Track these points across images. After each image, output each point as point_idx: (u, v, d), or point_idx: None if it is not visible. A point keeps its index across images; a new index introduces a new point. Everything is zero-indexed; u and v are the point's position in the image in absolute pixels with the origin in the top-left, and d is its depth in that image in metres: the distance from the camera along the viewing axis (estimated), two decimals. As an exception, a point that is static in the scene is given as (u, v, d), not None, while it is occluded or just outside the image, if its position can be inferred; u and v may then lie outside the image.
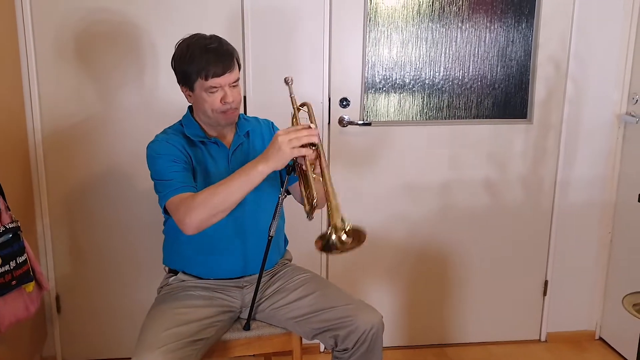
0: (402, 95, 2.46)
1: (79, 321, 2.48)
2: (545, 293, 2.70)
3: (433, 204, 2.55)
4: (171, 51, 1.72)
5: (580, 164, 2.57)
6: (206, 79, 1.64)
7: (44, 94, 2.26)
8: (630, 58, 2.47)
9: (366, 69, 2.41)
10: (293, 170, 1.60)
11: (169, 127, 1.82)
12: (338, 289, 1.83)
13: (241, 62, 1.76)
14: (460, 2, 2.38)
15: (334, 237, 1.40)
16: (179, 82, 1.74)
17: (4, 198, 1.84)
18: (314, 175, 1.51)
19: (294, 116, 1.70)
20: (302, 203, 1.60)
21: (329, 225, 1.41)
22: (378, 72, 2.42)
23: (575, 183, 2.59)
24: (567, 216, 2.62)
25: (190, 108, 1.82)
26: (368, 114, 2.46)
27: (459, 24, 2.40)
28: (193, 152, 1.75)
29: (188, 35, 1.72)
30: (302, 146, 1.48)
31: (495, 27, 2.42)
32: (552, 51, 2.45)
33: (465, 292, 2.65)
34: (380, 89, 2.44)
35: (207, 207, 1.55)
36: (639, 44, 2.44)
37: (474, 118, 2.51)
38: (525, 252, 2.64)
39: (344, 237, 1.41)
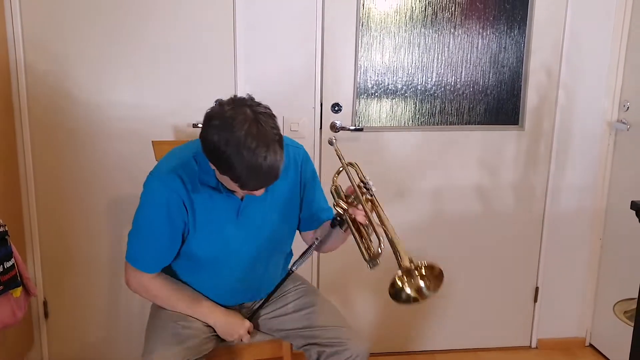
0: (394, 100, 2.45)
1: (67, 326, 2.45)
2: (536, 299, 2.70)
3: (425, 209, 2.54)
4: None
5: (572, 171, 2.58)
6: (241, 188, 1.45)
7: (32, 95, 2.24)
8: (621, 66, 2.48)
9: (358, 74, 2.40)
10: (340, 225, 1.57)
11: (180, 163, 1.57)
12: (332, 306, 1.82)
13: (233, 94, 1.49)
14: (453, 8, 2.38)
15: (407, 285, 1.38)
16: (205, 152, 1.45)
17: (-9, 202, 1.82)
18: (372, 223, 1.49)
19: (344, 171, 1.64)
20: (361, 252, 1.51)
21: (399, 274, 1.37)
22: (370, 77, 2.42)
23: (566, 189, 2.59)
24: (558, 222, 2.62)
25: None
26: (360, 120, 2.45)
27: (452, 30, 2.40)
28: (196, 199, 1.58)
29: (230, 112, 1.38)
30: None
31: (488, 33, 2.42)
32: (545, 58, 2.46)
33: (456, 298, 2.65)
34: (372, 94, 2.44)
35: (154, 301, 1.73)
36: (630, 52, 2.45)
37: (466, 124, 2.51)
38: (516, 258, 2.65)
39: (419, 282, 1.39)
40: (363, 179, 1.54)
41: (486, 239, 2.61)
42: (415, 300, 1.37)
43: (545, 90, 2.49)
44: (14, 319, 1.82)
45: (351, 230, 1.51)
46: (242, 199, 1.62)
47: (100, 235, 2.39)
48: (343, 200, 1.54)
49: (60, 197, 2.33)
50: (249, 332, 1.73)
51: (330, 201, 1.66)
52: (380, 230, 1.44)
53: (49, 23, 2.19)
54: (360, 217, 1.50)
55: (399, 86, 2.44)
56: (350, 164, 1.64)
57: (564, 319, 2.74)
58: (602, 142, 2.56)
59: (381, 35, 2.38)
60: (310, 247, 1.68)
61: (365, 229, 1.50)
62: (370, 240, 1.49)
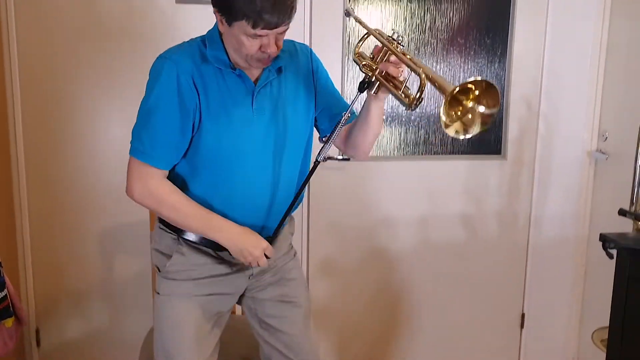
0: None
1: (59, 355, 2.48)
2: (522, 325, 2.74)
3: (411, 238, 2.60)
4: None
5: (554, 200, 2.64)
6: (253, 27, 1.33)
7: (28, 130, 2.31)
8: (599, 97, 2.56)
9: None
10: (369, 86, 1.45)
11: (186, 42, 1.50)
12: (313, 338, 1.74)
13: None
14: (435, 44, 2.47)
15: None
16: (214, 4, 1.39)
17: (-15, 234, 1.87)
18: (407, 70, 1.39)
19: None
20: (401, 100, 1.42)
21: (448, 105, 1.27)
22: (355, 109, 2.48)
23: (549, 218, 2.65)
24: (542, 250, 2.68)
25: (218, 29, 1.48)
26: (347, 150, 2.52)
27: (434, 64, 2.49)
28: (207, 77, 1.45)
29: None
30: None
31: (469, 67, 2.51)
32: (524, 91, 2.54)
33: (443, 324, 2.69)
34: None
35: (161, 211, 1.48)
36: (607, 84, 2.53)
37: (449, 154, 2.58)
38: (502, 284, 2.69)
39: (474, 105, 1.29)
40: (390, 35, 1.44)
41: (472, 266, 2.66)
42: (484, 122, 1.31)
43: (526, 121, 2.57)
44: (5, 349, 1.86)
45: (385, 87, 1.43)
46: (255, 83, 1.49)
47: (92, 264, 2.43)
48: (370, 61, 1.46)
49: (53, 227, 2.39)
50: (266, 256, 1.53)
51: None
52: (419, 69, 1.34)
53: (45, 63, 2.27)
54: (392, 69, 1.41)
55: (384, 117, 2.51)
56: (375, 30, 1.51)
57: (550, 345, 2.77)
58: (583, 171, 2.63)
59: (366, 69, 2.46)
60: (338, 122, 1.50)
61: (398, 82, 1.42)
62: (408, 87, 1.41)
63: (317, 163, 1.51)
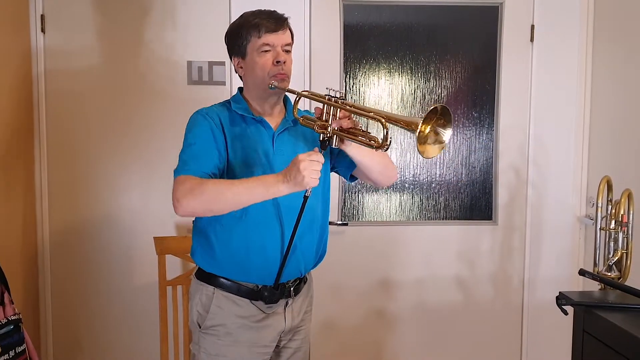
0: (376, 197, 2.70)
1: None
2: (520, 388, 2.79)
3: (407, 300, 2.72)
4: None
5: (546, 263, 2.73)
6: (259, 36, 1.63)
7: (53, 199, 2.56)
8: (585, 166, 2.68)
9: (342, 175, 2.67)
10: (329, 143, 1.57)
11: (216, 104, 1.77)
12: None
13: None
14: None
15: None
16: (230, 54, 1.74)
17: (9, 292, 2.08)
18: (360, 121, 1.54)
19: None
20: (370, 146, 1.53)
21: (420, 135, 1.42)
22: (353, 177, 2.68)
23: (542, 281, 2.74)
24: (537, 312, 2.75)
25: (240, 89, 1.79)
26: (345, 214, 2.70)
27: (426, 136, 2.67)
28: (233, 129, 1.68)
29: None
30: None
31: (459, 138, 2.69)
32: (512, 160, 2.69)
33: (442, 385, 2.76)
34: (356, 192, 2.69)
35: (208, 200, 1.52)
36: (592, 151, 2.66)
37: (442, 219, 2.72)
38: (498, 346, 2.76)
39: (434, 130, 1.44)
40: (326, 93, 1.58)
41: (467, 328, 2.74)
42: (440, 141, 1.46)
43: (515, 188, 2.70)
44: (21, 401, 2.03)
45: (347, 139, 1.56)
46: (275, 129, 1.71)
47: (107, 322, 2.62)
48: (320, 121, 1.58)
49: (71, 286, 2.60)
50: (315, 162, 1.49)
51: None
52: (373, 115, 1.48)
53: (70, 142, 2.55)
54: (346, 122, 1.55)
55: (380, 185, 2.69)
56: (305, 91, 1.69)
57: (550, 408, 2.80)
58: (574, 235, 2.73)
59: (362, 141, 2.66)
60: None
61: (357, 131, 1.54)
62: (368, 132, 1.54)
63: (305, 198, 1.58)
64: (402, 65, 2.65)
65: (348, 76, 2.64)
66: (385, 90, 2.66)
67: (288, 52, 1.68)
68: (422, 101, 2.66)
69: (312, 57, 2.59)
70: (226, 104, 1.74)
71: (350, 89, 2.65)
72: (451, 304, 2.73)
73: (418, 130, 1.39)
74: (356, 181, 1.89)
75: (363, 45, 2.63)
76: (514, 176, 2.70)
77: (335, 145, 1.58)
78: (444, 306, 2.73)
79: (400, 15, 2.63)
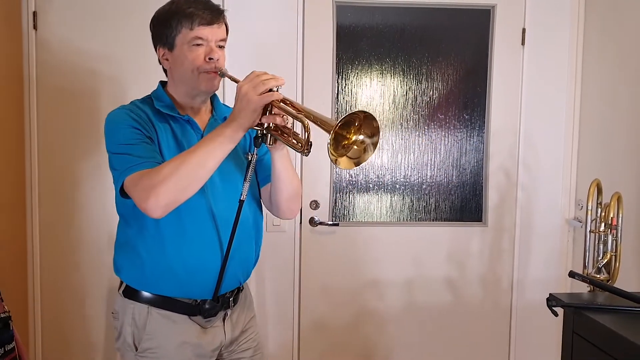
0: (367, 198, 2.71)
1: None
2: (508, 388, 2.81)
3: (396, 300, 2.73)
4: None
5: (535, 265, 2.76)
6: (191, 28, 1.47)
7: (44, 216, 2.56)
8: (574, 169, 2.71)
9: (334, 174, 2.68)
10: (262, 138, 1.44)
11: (136, 100, 1.61)
12: None
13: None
14: (417, 118, 2.68)
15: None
16: (156, 43, 1.56)
17: (-2, 291, 2.08)
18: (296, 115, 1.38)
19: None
20: (294, 148, 1.43)
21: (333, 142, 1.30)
22: (344, 177, 2.69)
23: (531, 282, 2.76)
24: (526, 313, 2.77)
25: (161, 83, 1.64)
26: (336, 215, 2.71)
27: (417, 137, 2.69)
28: (160, 128, 1.54)
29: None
30: (270, 90, 1.36)
31: (449, 140, 2.70)
32: (502, 162, 2.71)
33: (431, 385, 2.78)
34: (347, 192, 2.70)
35: (176, 179, 1.36)
36: (582, 155, 2.69)
37: (433, 220, 2.74)
38: (486, 347, 2.78)
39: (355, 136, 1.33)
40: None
41: (457, 328, 2.76)
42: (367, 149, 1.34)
43: (505, 190, 2.73)
44: (10, 399, 2.03)
45: (277, 138, 1.45)
46: (203, 129, 1.59)
47: (96, 320, 2.61)
48: None
49: (61, 284, 2.59)
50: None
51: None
52: (300, 116, 1.36)
53: (61, 165, 2.54)
54: (279, 120, 1.41)
55: (371, 185, 2.70)
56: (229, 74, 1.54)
57: (537, 408, 2.83)
58: (562, 237, 2.76)
59: (354, 142, 2.68)
60: (249, 163, 1.52)
61: (288, 130, 1.44)
62: (297, 133, 1.43)
63: (241, 202, 1.52)
64: (394, 66, 2.66)
65: (340, 77, 2.65)
66: (377, 91, 2.67)
67: (222, 47, 1.53)
68: (413, 103, 2.68)
69: (305, 58, 2.60)
70: (147, 100, 1.59)
71: (342, 90, 2.66)
72: (441, 304, 2.75)
73: (332, 134, 1.27)
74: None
75: (355, 46, 2.64)
76: (504, 178, 2.72)
77: (269, 144, 1.46)
78: (433, 306, 2.74)
79: (392, 16, 2.65)
